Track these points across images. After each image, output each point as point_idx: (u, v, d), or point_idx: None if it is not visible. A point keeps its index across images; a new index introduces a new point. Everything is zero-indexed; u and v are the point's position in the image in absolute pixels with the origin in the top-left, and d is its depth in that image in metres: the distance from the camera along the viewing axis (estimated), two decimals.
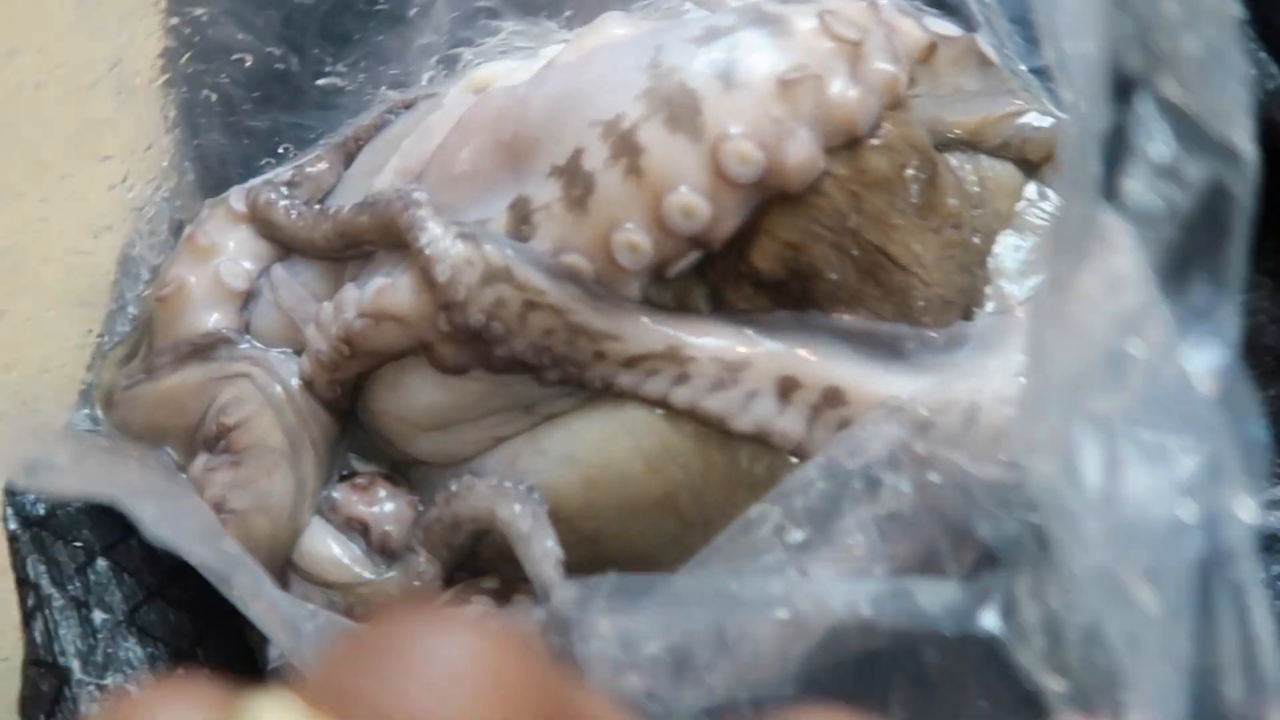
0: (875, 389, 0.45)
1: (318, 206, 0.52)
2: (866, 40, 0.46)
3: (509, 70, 0.53)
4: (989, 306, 0.50)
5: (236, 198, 0.52)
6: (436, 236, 0.46)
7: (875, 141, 0.45)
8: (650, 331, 0.46)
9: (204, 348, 0.50)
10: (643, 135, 0.44)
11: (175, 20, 0.47)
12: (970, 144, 0.52)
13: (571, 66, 0.47)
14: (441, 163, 0.49)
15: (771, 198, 0.45)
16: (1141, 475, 0.33)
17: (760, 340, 0.46)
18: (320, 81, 0.50)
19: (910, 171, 0.46)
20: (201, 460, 0.49)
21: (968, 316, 0.48)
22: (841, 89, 0.45)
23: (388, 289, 0.47)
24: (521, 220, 0.46)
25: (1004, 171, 0.52)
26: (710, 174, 0.44)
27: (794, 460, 0.46)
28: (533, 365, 0.47)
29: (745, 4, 0.48)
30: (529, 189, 0.46)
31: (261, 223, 0.52)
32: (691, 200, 0.44)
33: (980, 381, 0.45)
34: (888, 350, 0.46)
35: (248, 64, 0.49)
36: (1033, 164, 0.53)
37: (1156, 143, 0.33)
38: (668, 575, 0.44)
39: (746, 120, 0.44)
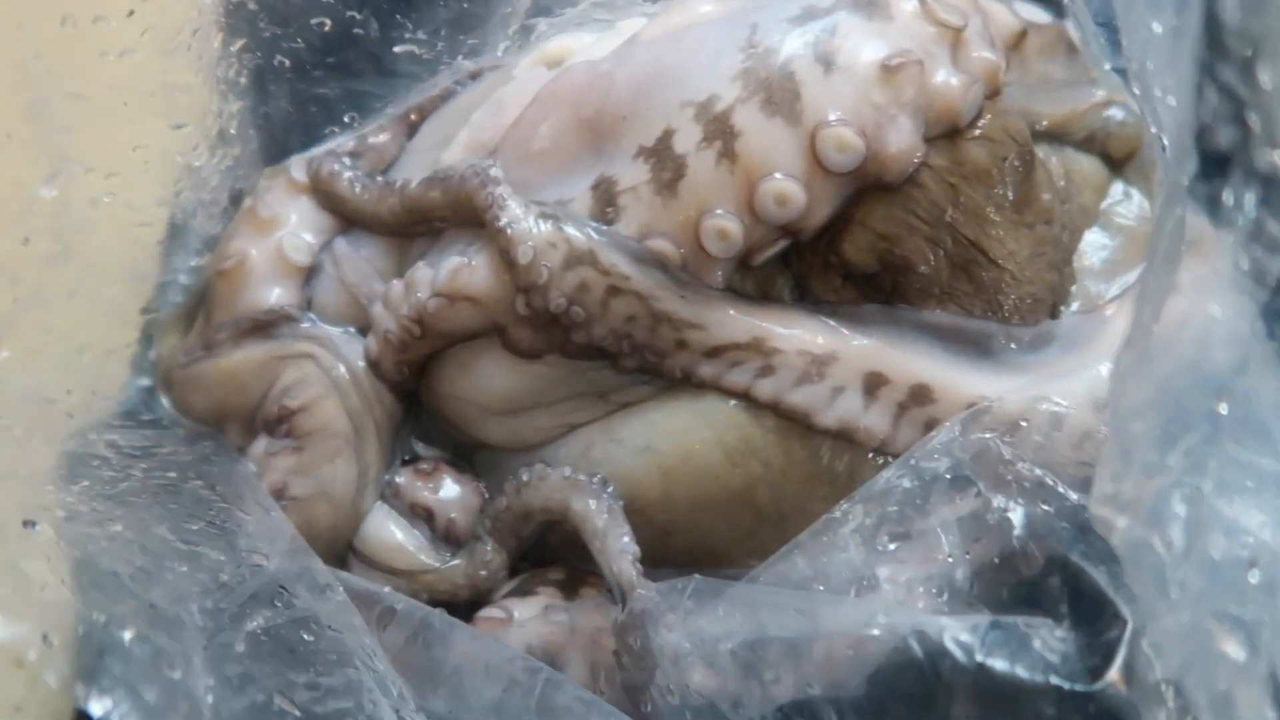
0: (963, 388, 0.44)
1: (382, 179, 0.50)
2: (968, 25, 0.44)
3: (584, 44, 0.51)
4: (1074, 305, 0.49)
5: (297, 168, 0.50)
6: (518, 216, 0.44)
7: (975, 132, 0.44)
8: (735, 321, 0.45)
9: (266, 325, 0.48)
10: (738, 118, 0.43)
11: None
12: (1056, 136, 0.50)
13: (659, 43, 0.46)
14: (517, 138, 0.47)
15: (867, 187, 0.44)
16: (1226, 536, 0.33)
17: (848, 334, 0.45)
18: (398, 49, 0.48)
19: (1008, 164, 0.44)
20: (263, 444, 0.48)
21: (1054, 315, 0.47)
22: (945, 77, 0.43)
23: (464, 269, 0.45)
24: (606, 202, 0.44)
25: (1089, 166, 0.51)
26: (807, 160, 0.42)
27: (875, 459, 0.45)
28: (611, 352, 0.45)
29: None
30: (614, 169, 0.45)
31: (324, 195, 0.50)
32: (786, 187, 0.43)
33: (1066, 384, 0.44)
34: (976, 348, 0.45)
35: (327, 28, 0.47)
36: (1115, 160, 0.52)
37: (1248, 211, 0.32)
38: (749, 578, 0.43)
39: (847, 106, 0.42)
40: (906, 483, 0.43)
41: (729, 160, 0.43)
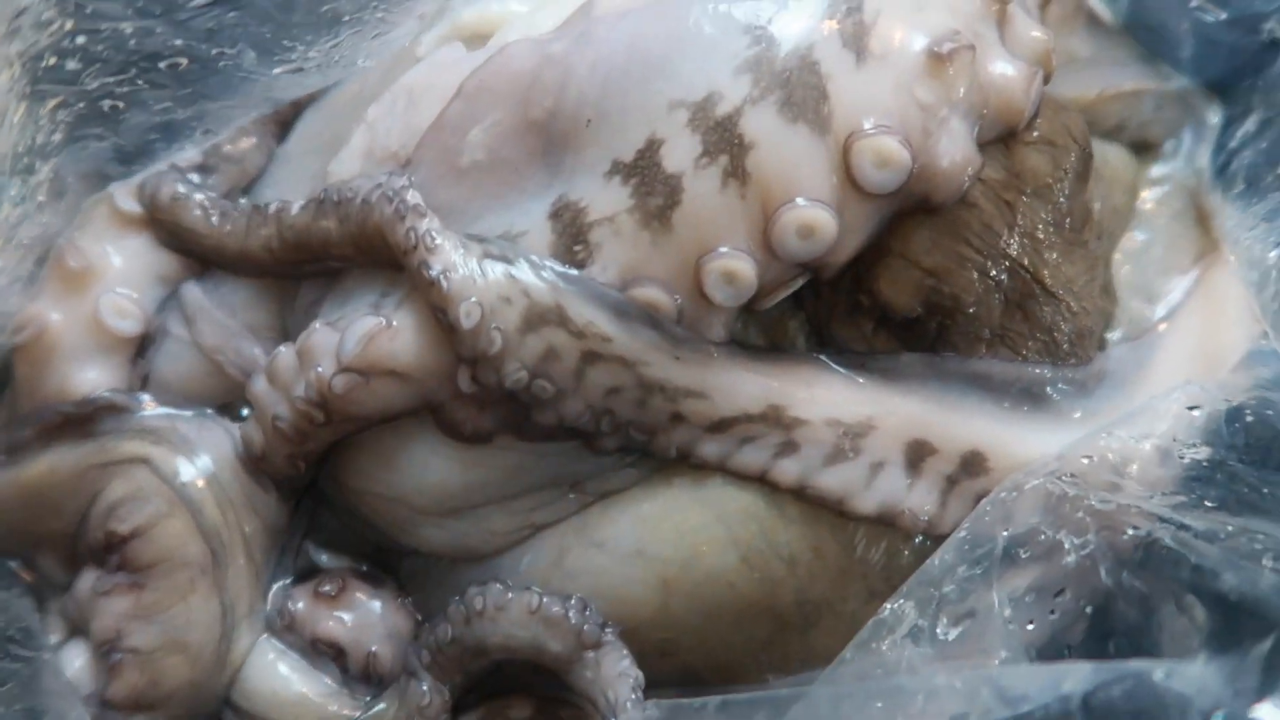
0: (1020, 451, 0.36)
1: (248, 202, 0.37)
2: None
3: (515, 13, 0.38)
4: (1117, 331, 0.41)
5: (124, 195, 0.36)
6: (454, 263, 0.32)
7: (1034, 134, 0.35)
8: (746, 385, 0.35)
9: (79, 420, 0.34)
10: (749, 125, 0.32)
11: (82, 39, 0.32)
12: None
13: (631, 19, 0.34)
14: (440, 147, 0.35)
15: (908, 209, 0.34)
16: None
17: (883, 394, 0.35)
18: (278, 70, 0.35)
19: (1066, 172, 0.36)
20: (89, 580, 0.34)
21: (1102, 346, 0.40)
22: (1001, 66, 0.34)
23: (381, 335, 0.33)
24: (573, 237, 0.33)
25: (1117, 159, 0.43)
26: (839, 179, 0.33)
27: (916, 541, 0.37)
28: (585, 432, 0.34)
29: None
30: (578, 191, 0.33)
31: (165, 227, 0.36)
32: (813, 215, 0.33)
33: (1127, 428, 0.37)
34: (1030, 398, 0.37)
35: (182, 68, 0.34)
36: (1152, 146, 0.44)
37: None
38: (784, 693, 0.34)
39: (887, 107, 0.32)
40: (963, 568, 0.35)
41: (739, 182, 0.32)
